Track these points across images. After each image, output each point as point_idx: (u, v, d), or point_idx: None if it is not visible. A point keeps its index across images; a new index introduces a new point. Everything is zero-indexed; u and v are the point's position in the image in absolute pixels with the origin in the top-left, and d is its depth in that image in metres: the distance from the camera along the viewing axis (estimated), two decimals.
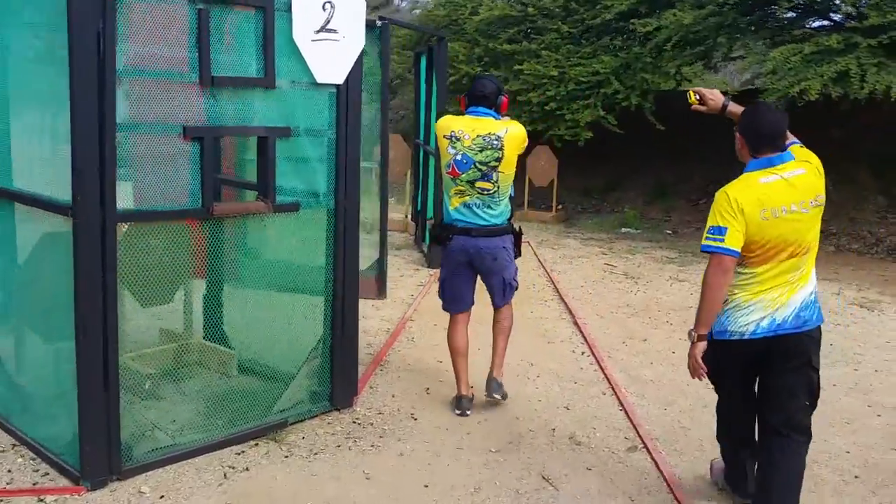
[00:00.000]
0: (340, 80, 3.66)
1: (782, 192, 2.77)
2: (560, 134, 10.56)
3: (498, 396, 4.09)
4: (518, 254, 4.08)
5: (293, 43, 3.43)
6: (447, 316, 4.17)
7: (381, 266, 6.21)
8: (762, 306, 2.82)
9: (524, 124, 11.28)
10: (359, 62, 3.72)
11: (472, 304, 4.12)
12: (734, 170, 3.01)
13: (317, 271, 3.81)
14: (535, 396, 4.37)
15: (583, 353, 5.18)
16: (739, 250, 2.75)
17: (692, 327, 2.90)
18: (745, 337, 2.85)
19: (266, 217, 3.54)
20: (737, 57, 10.49)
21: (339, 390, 3.94)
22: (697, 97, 3.22)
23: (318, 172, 3.69)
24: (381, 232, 6.14)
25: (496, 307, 4.14)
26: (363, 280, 6.33)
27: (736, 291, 2.85)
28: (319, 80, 3.56)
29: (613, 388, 4.50)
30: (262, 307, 3.88)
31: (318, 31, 3.53)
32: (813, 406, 2.94)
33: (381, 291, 6.25)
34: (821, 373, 3.00)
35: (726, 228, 2.73)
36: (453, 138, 3.86)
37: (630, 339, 5.55)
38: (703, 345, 2.86)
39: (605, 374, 4.74)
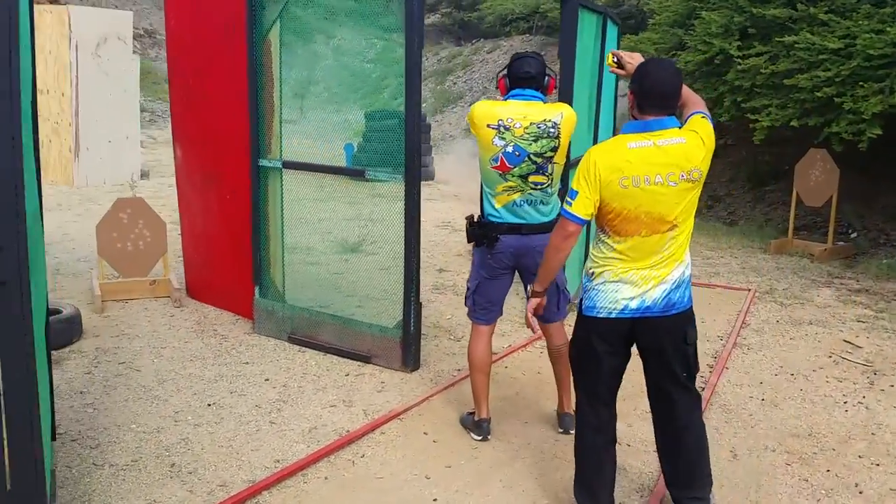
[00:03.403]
0: None
1: (649, 159, 2.58)
2: (836, 132, 7.23)
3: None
4: None
5: None
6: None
7: (406, 325, 4.28)
8: (630, 285, 2.68)
9: (792, 117, 7.74)
10: None
11: (501, 314, 3.64)
12: None
13: None
14: None
15: None
16: (584, 217, 2.65)
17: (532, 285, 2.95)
18: (613, 316, 2.71)
19: None
20: None
21: None
22: (615, 59, 3.01)
23: None
24: (406, 272, 4.21)
25: (548, 322, 3.54)
26: (386, 343, 4.45)
27: (604, 265, 2.71)
28: None
29: None
30: None
31: None
32: (693, 377, 2.81)
33: (406, 361, 4.32)
34: None
35: (577, 193, 2.64)
36: (501, 128, 3.32)
37: None
38: (536, 300, 2.91)
39: None
